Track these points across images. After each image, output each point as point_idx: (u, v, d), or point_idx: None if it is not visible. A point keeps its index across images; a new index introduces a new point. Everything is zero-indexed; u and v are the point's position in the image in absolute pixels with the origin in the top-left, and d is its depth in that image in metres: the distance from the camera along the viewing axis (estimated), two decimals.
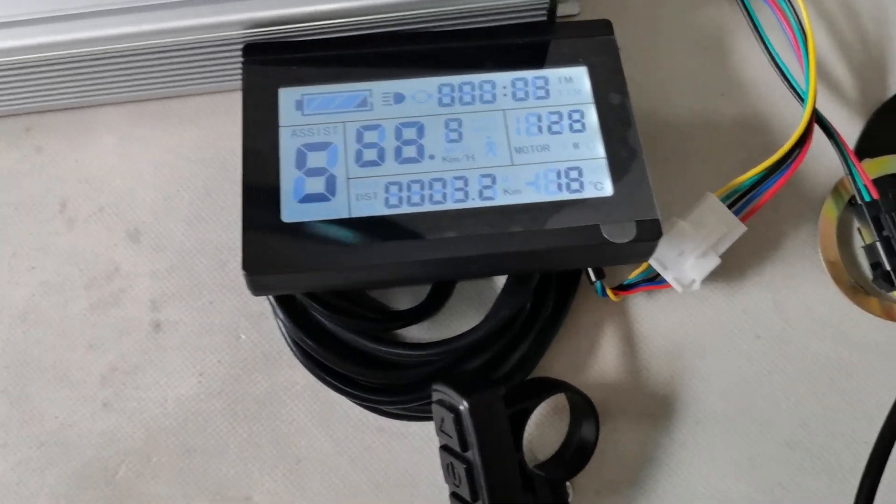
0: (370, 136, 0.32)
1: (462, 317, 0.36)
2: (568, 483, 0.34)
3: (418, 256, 0.30)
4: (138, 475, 0.35)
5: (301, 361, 0.35)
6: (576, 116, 0.33)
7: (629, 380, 0.35)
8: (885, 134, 0.37)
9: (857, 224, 0.36)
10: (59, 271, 0.37)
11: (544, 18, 0.34)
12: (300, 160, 0.32)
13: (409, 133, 0.32)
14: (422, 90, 0.33)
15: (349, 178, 0.31)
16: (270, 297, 0.34)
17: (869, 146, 0.37)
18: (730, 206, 0.34)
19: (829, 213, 0.36)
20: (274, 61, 0.33)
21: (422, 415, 0.34)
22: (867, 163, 0.36)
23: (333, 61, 0.33)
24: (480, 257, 0.30)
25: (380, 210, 0.31)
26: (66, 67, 0.35)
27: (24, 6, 0.33)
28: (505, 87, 0.33)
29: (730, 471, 0.34)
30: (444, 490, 0.33)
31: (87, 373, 0.36)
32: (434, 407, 0.32)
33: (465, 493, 0.31)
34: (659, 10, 0.40)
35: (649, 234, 0.30)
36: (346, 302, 0.34)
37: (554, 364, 0.35)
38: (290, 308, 0.34)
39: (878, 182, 0.36)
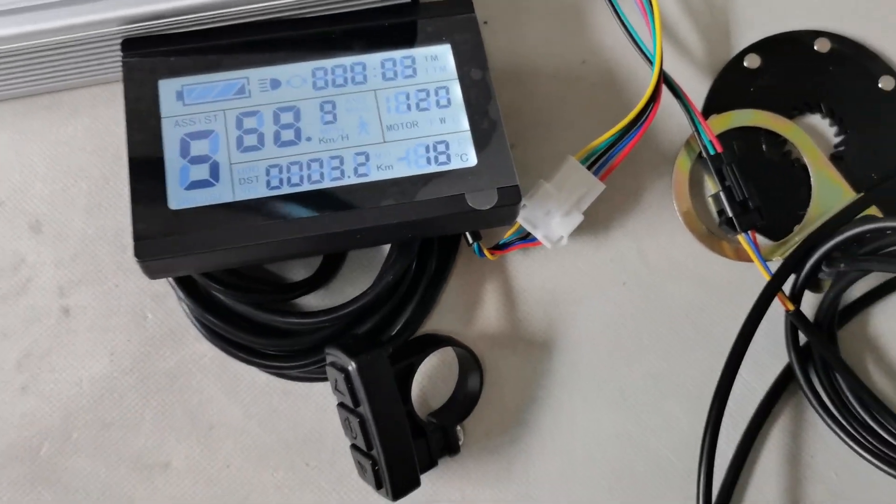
0: (249, 122, 0.34)
1: (354, 283, 0.39)
2: (459, 427, 0.37)
3: (300, 233, 0.33)
4: (60, 451, 0.38)
5: (206, 337, 0.37)
6: (442, 93, 0.35)
7: (511, 329, 0.39)
8: (730, 91, 0.41)
9: (705, 175, 0.40)
10: None
11: (408, 0, 0.36)
12: (184, 149, 0.34)
13: (287, 117, 0.34)
14: (297, 75, 0.35)
15: (232, 164, 0.33)
16: (170, 278, 0.36)
17: (716, 103, 0.40)
18: (590, 167, 0.37)
19: (682, 166, 0.39)
20: (152, 54, 0.35)
21: (321, 376, 0.37)
22: (714, 118, 0.40)
23: (210, 51, 0.35)
24: (358, 231, 0.33)
25: (262, 192, 0.33)
26: None
27: None
28: (375, 68, 0.35)
29: (604, 403, 0.38)
30: (346, 442, 0.36)
31: (3, 360, 0.38)
32: (328, 369, 0.35)
33: (361, 444, 0.34)
34: None
35: (510, 199, 0.33)
36: (242, 278, 0.37)
37: (441, 321, 0.39)
38: (191, 288, 0.36)
39: (723, 136, 0.39)
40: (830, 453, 0.38)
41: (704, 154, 0.38)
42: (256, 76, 0.35)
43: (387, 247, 0.38)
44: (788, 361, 0.38)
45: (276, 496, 0.37)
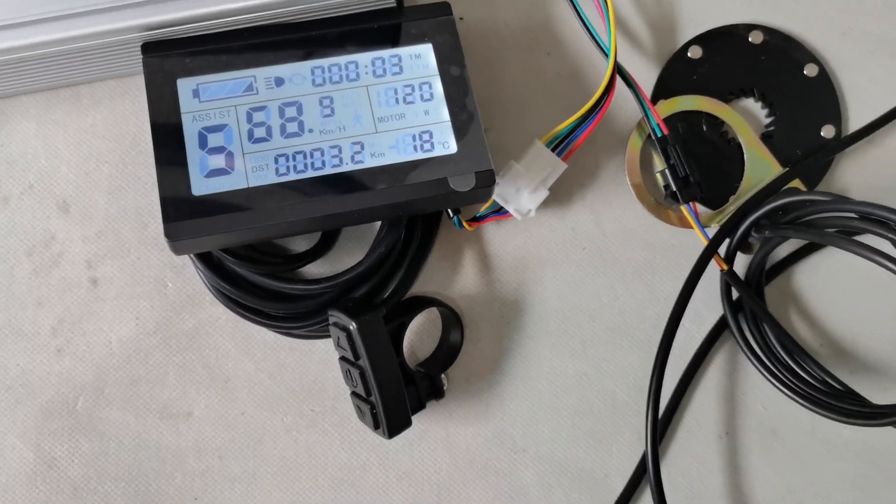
0: (258, 117, 0.39)
1: (350, 253, 0.43)
2: (443, 375, 0.43)
3: (306, 214, 0.37)
4: (95, 405, 0.42)
5: (220, 301, 0.42)
6: (425, 88, 0.40)
7: (486, 291, 0.44)
8: (676, 78, 0.45)
9: (654, 154, 0.45)
10: (2, 243, 0.43)
11: (394, 5, 0.41)
12: (202, 141, 0.38)
13: (291, 111, 0.39)
14: (298, 73, 0.40)
15: (245, 154, 0.38)
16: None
17: (663, 89, 0.45)
18: (554, 149, 0.42)
19: (634, 145, 0.44)
20: (170, 56, 0.39)
21: (323, 334, 0.42)
22: (661, 104, 0.45)
23: (221, 52, 0.39)
24: (356, 211, 0.38)
25: (272, 179, 0.38)
26: None
27: None
28: (366, 66, 0.40)
29: (567, 353, 0.44)
30: (346, 390, 0.42)
31: (39, 326, 0.43)
32: (331, 328, 0.40)
33: (360, 391, 0.40)
34: None
35: (486, 181, 0.38)
36: (252, 250, 0.41)
37: (427, 285, 0.44)
38: (208, 260, 0.41)
39: (669, 119, 0.44)
40: (758, 390, 0.44)
41: (652, 136, 0.43)
42: (262, 75, 0.39)
43: (378, 221, 0.43)
44: (723, 313, 0.43)
45: (286, 438, 0.43)
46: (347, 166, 0.38)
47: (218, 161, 0.38)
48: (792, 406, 0.42)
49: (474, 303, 0.44)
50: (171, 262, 0.43)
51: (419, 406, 0.42)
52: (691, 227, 0.43)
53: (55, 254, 0.43)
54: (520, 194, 0.42)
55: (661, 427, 0.43)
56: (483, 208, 0.43)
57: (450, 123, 0.39)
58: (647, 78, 0.45)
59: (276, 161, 0.38)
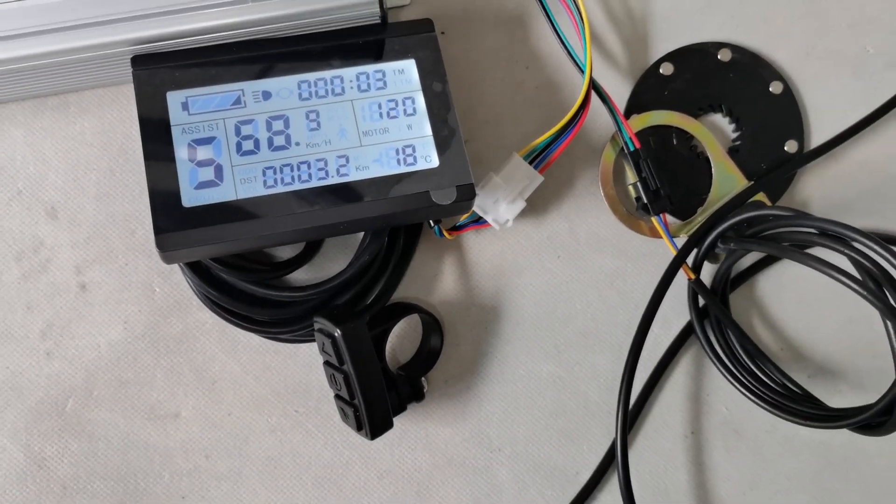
0: (246, 130, 0.40)
1: (334, 261, 0.45)
2: (423, 378, 0.45)
3: (294, 226, 0.38)
4: (83, 406, 0.44)
5: (207, 307, 0.43)
6: (408, 103, 0.41)
7: (465, 297, 0.46)
8: (649, 94, 0.47)
9: (626, 166, 0.47)
10: None
11: (378, 21, 0.42)
12: (191, 153, 0.39)
13: (278, 125, 0.40)
14: (285, 87, 0.41)
15: (233, 166, 0.39)
16: None
17: (636, 104, 0.47)
18: (531, 161, 0.44)
19: (608, 158, 0.46)
20: (159, 69, 0.40)
21: (307, 338, 0.44)
22: (634, 118, 0.46)
23: (209, 66, 0.40)
24: (342, 223, 0.39)
25: (260, 191, 0.39)
26: None
27: None
28: (351, 81, 0.41)
29: (541, 356, 0.46)
30: (329, 392, 0.43)
31: (29, 330, 0.44)
32: (316, 334, 0.41)
33: (344, 394, 0.41)
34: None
35: (467, 195, 0.40)
36: (238, 258, 0.43)
37: (408, 291, 0.45)
38: (196, 267, 0.42)
39: (641, 133, 0.46)
40: (722, 392, 0.46)
41: (625, 149, 0.45)
42: (250, 88, 0.40)
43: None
44: (690, 319, 0.46)
45: (271, 438, 0.44)
46: (333, 179, 0.40)
47: (207, 173, 0.39)
48: (753, 407, 0.44)
49: (454, 308, 0.46)
50: (158, 268, 0.44)
51: (400, 408, 0.43)
52: (661, 238, 0.45)
53: (44, 259, 0.44)
54: (498, 205, 0.43)
55: (629, 425, 0.45)
56: (463, 218, 0.44)
57: (432, 138, 0.41)
58: (620, 93, 0.47)
59: (264, 173, 0.39)
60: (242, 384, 0.44)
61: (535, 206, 0.46)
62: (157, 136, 0.39)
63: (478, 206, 0.43)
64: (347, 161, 0.40)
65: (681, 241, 0.45)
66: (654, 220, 0.45)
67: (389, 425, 0.42)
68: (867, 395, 0.46)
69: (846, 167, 0.48)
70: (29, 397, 0.43)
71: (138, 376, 0.44)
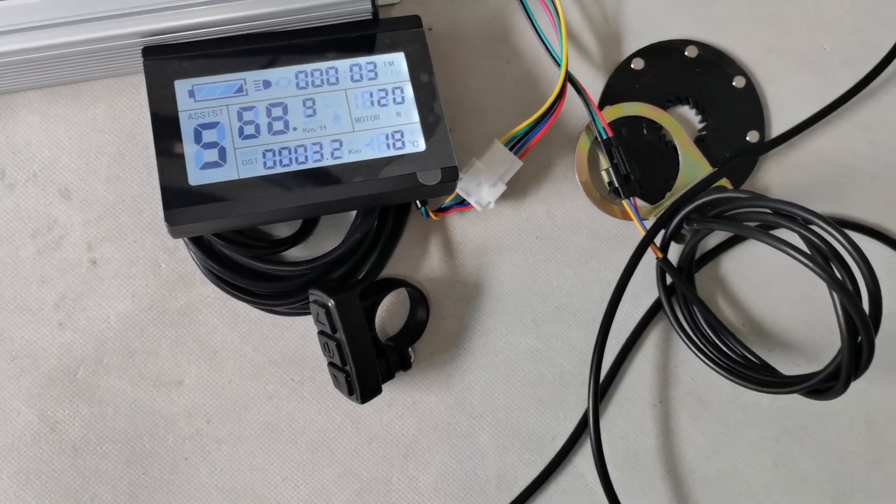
0: (248, 116, 0.43)
1: (328, 239, 0.48)
2: (411, 349, 0.48)
3: (290, 203, 0.42)
4: (94, 373, 0.47)
5: (210, 281, 0.46)
6: (397, 92, 0.45)
7: (450, 274, 0.49)
8: (621, 87, 0.50)
9: (600, 154, 0.50)
10: (8, 226, 0.47)
11: (370, 17, 0.45)
12: (197, 137, 0.42)
13: (277, 111, 0.43)
14: (284, 77, 0.44)
15: (236, 149, 0.43)
16: None
17: (609, 96, 0.50)
18: (511, 148, 0.47)
19: (583, 145, 0.50)
20: (168, 60, 0.43)
21: (303, 311, 0.47)
22: (607, 109, 0.50)
23: (214, 57, 0.43)
24: (335, 201, 0.42)
25: (260, 171, 0.42)
26: None
27: None
28: (345, 72, 0.44)
29: (520, 329, 0.49)
30: (323, 362, 0.47)
31: (43, 302, 0.47)
32: (311, 305, 0.45)
33: (337, 361, 0.44)
34: None
35: (451, 176, 0.43)
36: (240, 235, 0.46)
37: (397, 268, 0.48)
38: (199, 243, 0.45)
39: (614, 123, 0.49)
40: (688, 364, 0.49)
41: (599, 138, 0.48)
42: (252, 77, 0.44)
43: (354, 211, 0.48)
44: (658, 296, 0.49)
45: (269, 404, 0.47)
46: (327, 161, 0.43)
47: (212, 155, 0.42)
48: (717, 378, 0.47)
49: (439, 284, 0.49)
50: (164, 245, 0.47)
51: (389, 376, 0.46)
52: (632, 220, 0.48)
53: (57, 236, 0.47)
54: (480, 188, 0.47)
55: (601, 395, 0.49)
56: (447, 200, 0.47)
57: (419, 124, 0.44)
58: (595, 86, 0.50)
59: (264, 156, 0.43)
60: (242, 354, 0.47)
61: (515, 190, 0.49)
62: (165, 120, 0.42)
63: (461, 189, 0.47)
64: (341, 145, 0.43)
65: (650, 223, 0.48)
66: (625, 203, 0.48)
67: (378, 390, 0.45)
68: (821, 367, 0.49)
69: (804, 156, 0.51)
70: (43, 365, 0.46)
71: (145, 346, 0.47)
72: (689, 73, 0.51)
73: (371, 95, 0.44)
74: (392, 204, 0.47)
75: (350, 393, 0.45)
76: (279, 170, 0.42)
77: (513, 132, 0.47)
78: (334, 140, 0.43)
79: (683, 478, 0.49)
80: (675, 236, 0.48)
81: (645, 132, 0.50)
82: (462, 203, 0.47)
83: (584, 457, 0.49)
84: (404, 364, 0.47)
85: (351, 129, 0.44)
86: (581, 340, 0.49)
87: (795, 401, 0.49)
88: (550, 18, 0.48)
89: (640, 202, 0.49)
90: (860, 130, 0.52)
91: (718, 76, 0.51)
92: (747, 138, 0.51)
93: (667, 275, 0.48)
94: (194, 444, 0.47)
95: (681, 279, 0.48)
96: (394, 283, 0.47)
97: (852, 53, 0.52)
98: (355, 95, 0.44)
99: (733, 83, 0.51)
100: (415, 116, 0.44)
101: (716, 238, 0.50)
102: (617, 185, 0.48)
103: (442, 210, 0.48)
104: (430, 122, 0.44)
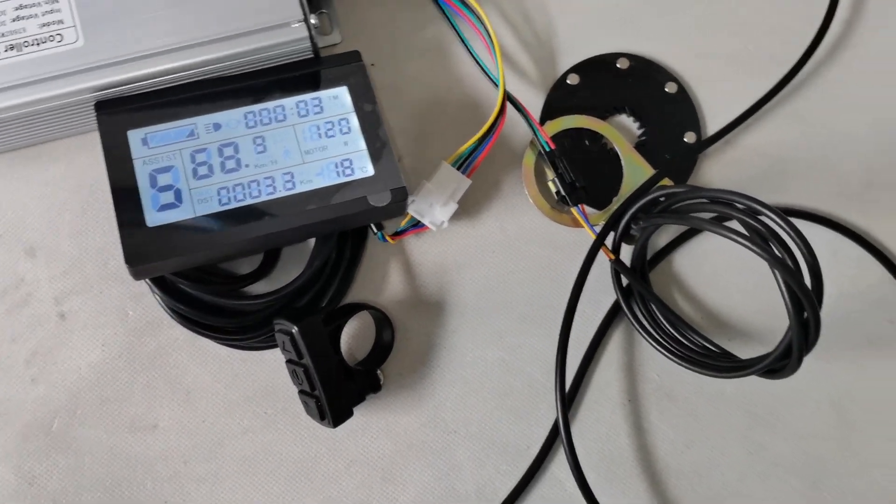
0: (200, 157, 0.45)
1: (290, 273, 0.49)
2: (379, 371, 0.48)
3: (248, 235, 0.43)
4: (69, 424, 0.47)
5: (177, 321, 0.47)
6: (343, 123, 0.47)
7: (412, 294, 0.50)
8: (560, 102, 0.52)
9: (545, 166, 0.52)
10: None
11: (312, 55, 0.48)
12: (152, 181, 0.44)
13: (228, 151, 0.45)
14: (233, 118, 0.46)
15: (191, 189, 0.44)
16: (147, 279, 0.47)
17: (549, 111, 0.52)
18: (459, 167, 0.49)
19: (528, 160, 0.52)
20: (120, 111, 0.45)
21: (271, 344, 0.48)
22: (548, 124, 0.52)
23: (165, 105, 0.45)
24: (290, 230, 0.44)
25: (216, 208, 0.44)
26: None
27: None
28: (292, 108, 0.47)
29: (486, 343, 0.50)
30: (294, 392, 0.47)
31: (14, 359, 0.47)
32: (277, 334, 0.46)
33: (306, 387, 0.45)
34: (393, 31, 0.53)
35: (400, 196, 0.45)
36: (203, 273, 0.47)
37: (359, 293, 0.50)
38: (163, 285, 0.46)
39: (556, 136, 0.51)
40: (652, 361, 0.50)
41: (542, 151, 0.51)
42: (202, 122, 0.46)
43: (312, 240, 0.49)
44: (616, 298, 0.51)
45: (244, 439, 0.48)
46: (281, 193, 0.45)
47: (168, 197, 0.44)
48: (681, 371, 0.48)
49: (402, 306, 0.50)
50: (130, 293, 0.48)
51: (360, 399, 0.47)
52: (582, 226, 0.50)
53: (25, 294, 0.48)
54: (433, 209, 0.48)
55: (570, 399, 0.49)
56: (403, 223, 0.49)
57: (366, 151, 0.46)
58: (534, 103, 0.53)
59: (219, 193, 0.44)
60: (214, 392, 0.48)
61: (468, 208, 0.51)
62: (121, 168, 0.44)
63: (415, 211, 0.48)
64: (293, 177, 0.45)
65: (599, 227, 0.50)
66: (573, 210, 0.50)
67: (349, 413, 0.45)
68: None
69: (741, 152, 0.53)
70: (17, 421, 0.47)
71: (118, 393, 0.48)
72: (623, 83, 0.53)
73: (318, 128, 0.46)
74: (347, 229, 0.48)
75: (322, 418, 0.45)
76: (234, 205, 0.44)
77: (458, 152, 0.49)
78: (286, 173, 0.45)
79: (660, 474, 0.50)
80: (625, 237, 0.50)
81: (587, 143, 0.52)
82: (417, 225, 0.49)
83: (559, 463, 0.49)
84: (374, 386, 0.48)
85: (301, 161, 0.46)
86: (546, 348, 0.50)
87: (759, 386, 0.50)
88: (485, 44, 0.51)
89: (588, 209, 0.51)
90: (792, 123, 0.54)
91: (651, 84, 0.53)
92: (685, 139, 0.53)
93: (622, 276, 0.50)
94: (173, 486, 0.47)
95: (635, 278, 0.49)
96: (357, 307, 0.48)
97: (776, 51, 0.55)
98: (303, 129, 0.46)
99: (666, 89, 0.53)
100: (361, 144, 0.46)
101: (666, 236, 0.52)
102: (564, 194, 0.50)
103: (398, 233, 0.49)
104: (377, 148, 0.46)
